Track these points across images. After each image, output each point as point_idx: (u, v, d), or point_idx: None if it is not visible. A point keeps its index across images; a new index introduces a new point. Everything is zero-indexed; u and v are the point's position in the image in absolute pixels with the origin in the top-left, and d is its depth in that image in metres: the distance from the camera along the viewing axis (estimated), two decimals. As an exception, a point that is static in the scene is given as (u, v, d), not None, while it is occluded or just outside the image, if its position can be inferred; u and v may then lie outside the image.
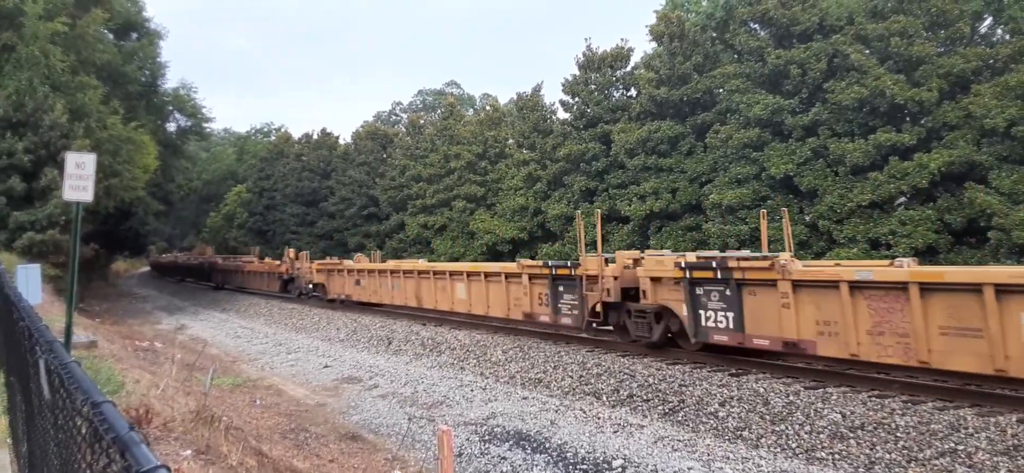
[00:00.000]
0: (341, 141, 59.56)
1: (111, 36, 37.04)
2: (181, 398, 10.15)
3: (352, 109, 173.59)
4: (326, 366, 18.15)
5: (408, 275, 24.50)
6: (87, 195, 9.17)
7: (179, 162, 55.40)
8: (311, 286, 32.91)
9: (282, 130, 78.06)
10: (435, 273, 22.83)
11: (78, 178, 9.14)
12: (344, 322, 24.97)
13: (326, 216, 54.97)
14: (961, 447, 8.46)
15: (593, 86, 33.90)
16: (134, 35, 40.99)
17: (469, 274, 20.84)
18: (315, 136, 60.99)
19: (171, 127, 52.06)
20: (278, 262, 38.16)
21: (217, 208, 74.28)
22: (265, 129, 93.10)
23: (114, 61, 34.11)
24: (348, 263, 30.48)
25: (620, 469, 9.06)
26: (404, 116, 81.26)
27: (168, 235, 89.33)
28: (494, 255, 36.15)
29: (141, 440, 1.48)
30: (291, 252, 36.92)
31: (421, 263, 25.41)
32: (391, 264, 27.07)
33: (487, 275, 19.82)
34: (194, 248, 72.11)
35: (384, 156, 52.46)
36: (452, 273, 21.76)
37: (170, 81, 50.41)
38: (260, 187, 62.86)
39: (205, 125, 57.50)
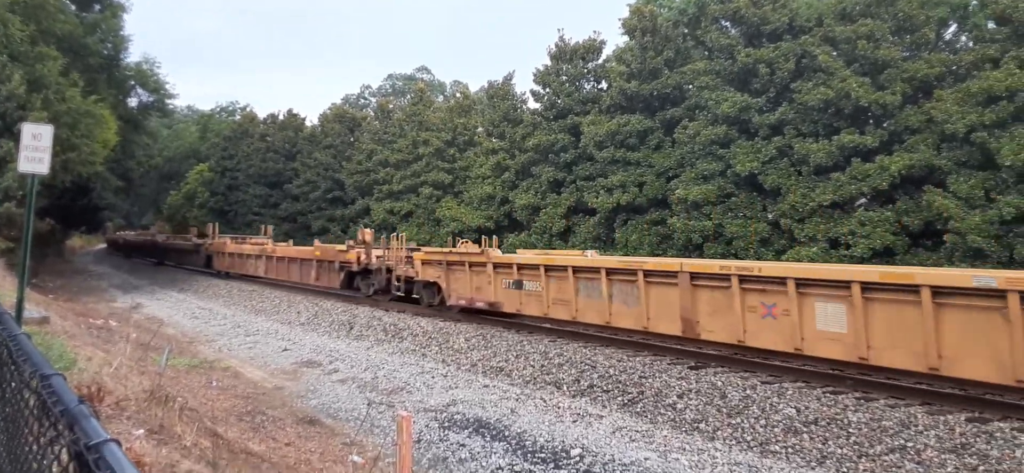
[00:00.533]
0: (308, 123, 58.88)
1: (73, 6, 36.02)
2: (135, 377, 9.96)
3: (320, 91, 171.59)
4: (285, 349, 17.95)
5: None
6: (43, 167, 8.93)
7: (140, 138, 54.14)
8: (402, 283, 22.52)
9: (247, 109, 76.96)
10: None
11: (34, 150, 8.90)
12: (305, 305, 24.72)
13: (290, 198, 54.30)
14: (910, 444, 8.68)
15: (564, 77, 33.95)
16: (97, 6, 39.85)
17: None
18: (281, 117, 60.17)
19: (132, 102, 50.83)
20: (338, 247, 27.53)
21: (178, 186, 72.92)
22: (230, 108, 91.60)
23: (75, 32, 33.16)
24: (496, 254, 19.48)
25: (578, 458, 9.12)
26: (373, 100, 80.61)
27: (127, 212, 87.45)
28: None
29: (91, 413, 1.44)
30: (366, 233, 25.73)
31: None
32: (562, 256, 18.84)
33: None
34: (152, 226, 70.53)
35: (351, 140, 51.99)
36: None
37: (133, 55, 49.33)
38: (223, 167, 61.82)
39: (168, 101, 56.23)
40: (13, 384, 2.42)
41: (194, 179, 67.48)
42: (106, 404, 7.41)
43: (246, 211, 57.66)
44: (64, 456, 1.50)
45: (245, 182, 58.43)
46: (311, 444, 9.79)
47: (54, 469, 1.59)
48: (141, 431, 7.00)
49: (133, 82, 48.21)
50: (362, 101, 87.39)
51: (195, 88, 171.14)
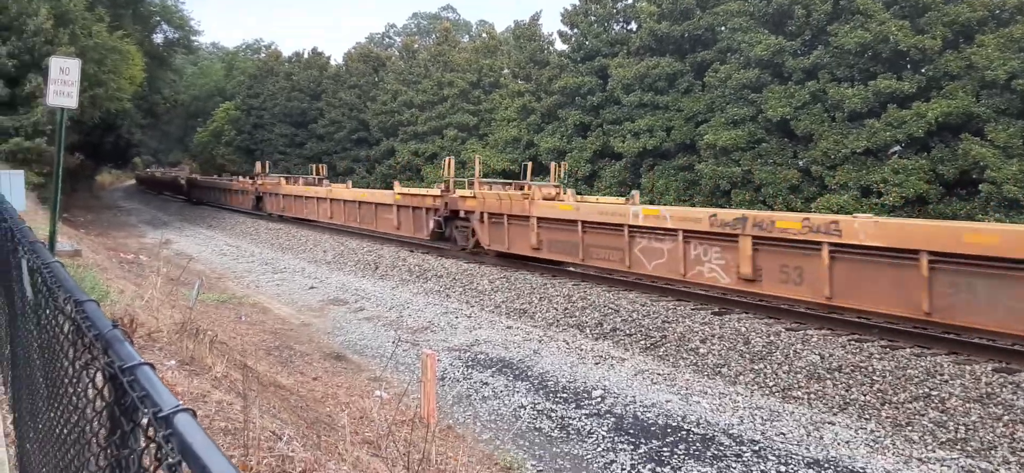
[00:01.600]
0: (332, 62, 58.58)
1: (96, -59, 35.88)
2: (166, 310, 10.14)
3: (344, 29, 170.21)
4: (312, 287, 18.19)
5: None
6: (72, 101, 8.97)
7: (166, 75, 54.40)
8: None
9: (272, 47, 76.75)
10: None
11: (62, 83, 8.94)
12: (331, 244, 24.95)
13: (315, 138, 54.39)
14: (935, 392, 8.62)
15: (593, 17, 33.31)
16: (121, -59, 39.70)
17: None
18: (306, 55, 59.90)
19: (158, 39, 50.99)
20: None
21: (204, 124, 73.33)
22: (255, 45, 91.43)
23: (99, -33, 33.12)
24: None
25: (599, 398, 9.20)
26: (397, 39, 79.89)
27: (154, 149, 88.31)
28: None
29: (124, 337, 1.44)
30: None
31: None
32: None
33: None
34: (180, 163, 71.09)
35: (376, 80, 51.70)
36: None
37: (157, -10, 49.13)
38: (248, 105, 61.91)
39: (193, 38, 56.36)
40: (48, 311, 2.45)
41: (221, 117, 67.78)
42: (138, 335, 7.56)
43: (272, 150, 57.90)
44: (99, 379, 1.51)
45: (271, 121, 58.55)
46: (338, 379, 9.96)
47: (90, 392, 1.60)
48: (173, 362, 7.15)
49: (158, 18, 48.26)
50: (387, 40, 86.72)
51: (219, 24, 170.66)
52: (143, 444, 1.17)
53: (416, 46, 52.16)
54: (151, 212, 44.72)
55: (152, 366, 1.27)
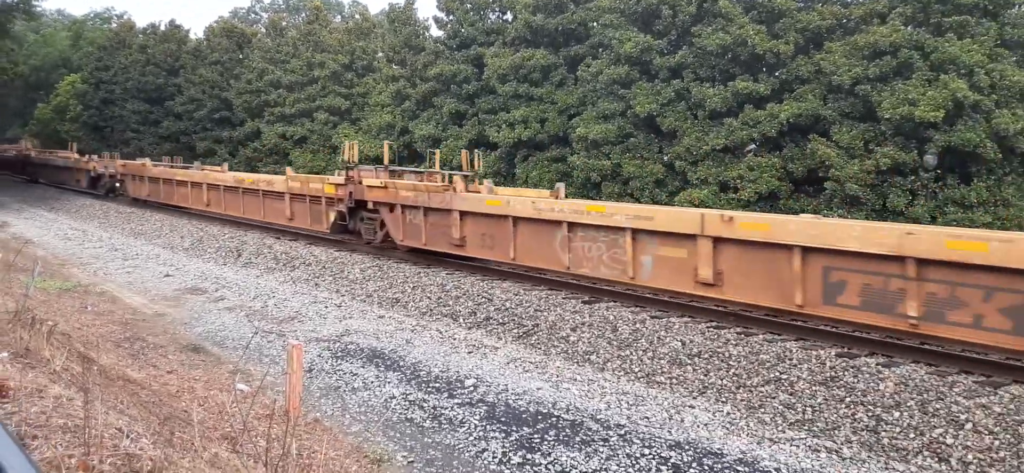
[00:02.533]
0: (192, 36, 55.28)
1: None
2: (-3, 299, 9.18)
3: (206, 2, 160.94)
4: (167, 275, 17.10)
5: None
6: None
7: (3, 43, 49.45)
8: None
9: (125, 18, 71.46)
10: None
11: None
12: (189, 230, 23.54)
13: (172, 116, 51.09)
14: (785, 376, 9.20)
15: (469, 5, 33.19)
16: None
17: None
18: (162, 27, 56.16)
19: (-7, 1, 46.21)
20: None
21: (47, 98, 67.28)
22: (105, 14, 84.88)
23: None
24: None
25: (472, 387, 9.17)
26: (264, 15, 76.57)
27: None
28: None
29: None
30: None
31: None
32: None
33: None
34: (21, 140, 64.74)
35: (240, 57, 49.20)
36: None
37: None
38: (97, 78, 57.24)
39: (35, 3, 51.44)
40: None
41: (65, 91, 62.40)
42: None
43: (123, 127, 53.88)
44: None
45: (122, 96, 54.39)
46: (195, 372, 9.38)
47: None
48: (5, 354, 6.46)
49: (-7, -22, 43.68)
50: (252, 16, 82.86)
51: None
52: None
53: (284, 24, 50.11)
54: (-19, 192, 40.53)
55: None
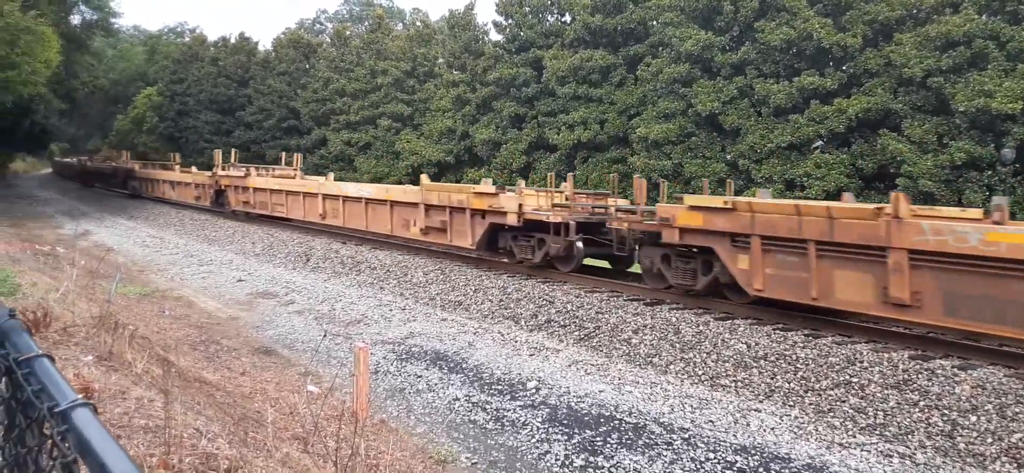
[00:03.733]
0: (261, 48, 57.06)
1: (9, -86, 33.93)
2: (83, 304, 9.69)
3: (274, 14, 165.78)
4: (240, 280, 17.69)
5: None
6: (-23, 82, 8.45)
7: (84, 58, 51.98)
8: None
9: (197, 31, 74.21)
10: None
11: (-33, 63, 8.41)
12: (260, 236, 24.30)
13: (243, 126, 52.88)
14: (855, 380, 8.95)
15: (527, 8, 33.35)
16: (35, -85, 37.61)
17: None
18: (233, 40, 58.14)
19: (75, 20, 48.74)
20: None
21: (125, 111, 70.43)
22: (178, 29, 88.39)
23: (12, -57, 31.33)
24: None
25: (534, 389, 9.22)
26: (329, 25, 78.38)
27: (71, 136, 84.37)
28: (419, 177, 35.67)
29: (23, 328, 1.33)
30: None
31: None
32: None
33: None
34: (100, 151, 67.90)
35: (306, 67, 50.59)
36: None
37: (75, -31, 46.94)
38: (172, 91, 59.71)
39: (113, 20, 54.06)
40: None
41: (142, 103, 65.24)
42: (53, 329, 7.19)
43: (197, 138, 56.01)
44: (-5, 373, 1.39)
45: (196, 108, 56.58)
46: (267, 374, 9.70)
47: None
48: (90, 357, 6.82)
49: (75, -2, 46.02)
50: (318, 26, 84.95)
51: (141, 6, 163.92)
52: (39, 441, 1.07)
53: (348, 33, 51.22)
54: (69, 202, 42.68)
55: (51, 358, 1.17)
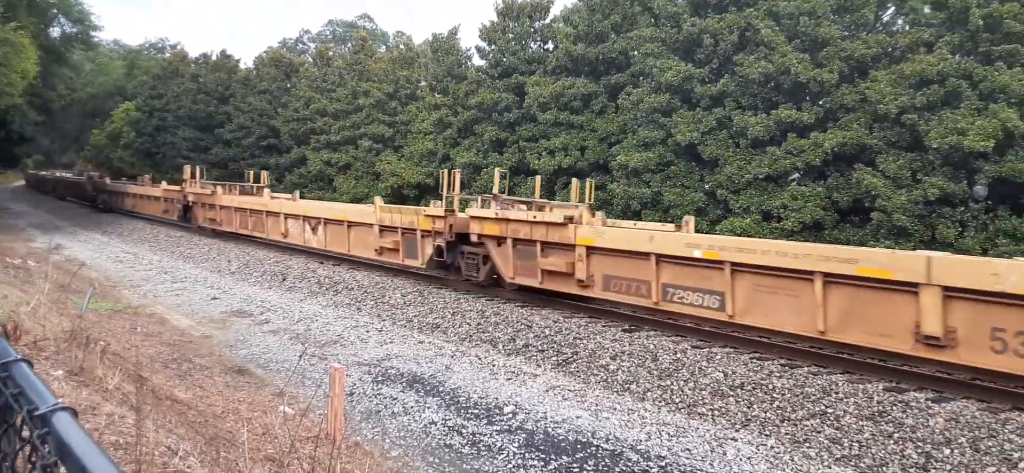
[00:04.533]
0: (242, 65, 56.87)
1: (-10, -76, 33.70)
2: (54, 318, 9.49)
3: (256, 33, 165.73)
4: (214, 298, 17.48)
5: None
6: (-48, 90, 8.32)
7: (62, 71, 51.59)
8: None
9: (178, 48, 73.83)
10: None
11: (-58, 70, 8.28)
12: (236, 254, 24.06)
13: (222, 143, 52.51)
14: (831, 410, 9.01)
15: (511, 35, 33.58)
16: (17, -75, 37.35)
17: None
18: (214, 57, 57.89)
19: (55, 32, 48.33)
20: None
21: (102, 125, 69.68)
22: (159, 45, 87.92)
23: (-7, -47, 31.10)
24: None
25: (511, 414, 9.17)
26: (312, 45, 78.36)
27: (46, 149, 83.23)
28: (399, 199, 35.60)
29: (2, 334, 1.29)
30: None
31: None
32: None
33: None
34: (73, 164, 67.08)
35: (288, 86, 50.47)
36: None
37: (56, -19, 46.63)
38: (151, 106, 59.21)
39: (93, 34, 53.74)
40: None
41: (120, 118, 64.62)
42: (22, 343, 7.03)
43: (174, 154, 55.50)
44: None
45: (174, 124, 56.13)
46: (240, 394, 9.55)
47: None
48: (60, 372, 6.68)
49: (56, 10, 45.74)
50: (300, 46, 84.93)
51: (121, 20, 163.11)
52: (18, 445, 1.04)
53: (331, 54, 51.21)
54: (42, 215, 42.02)
55: (29, 362, 1.14)
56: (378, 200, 21.83)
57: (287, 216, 24.16)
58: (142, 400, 5.93)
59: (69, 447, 0.87)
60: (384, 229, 19.56)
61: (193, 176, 31.78)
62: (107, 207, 42.79)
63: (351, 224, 20.90)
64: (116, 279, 20.03)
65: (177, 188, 33.17)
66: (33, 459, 0.93)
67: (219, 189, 29.59)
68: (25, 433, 1.01)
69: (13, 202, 52.73)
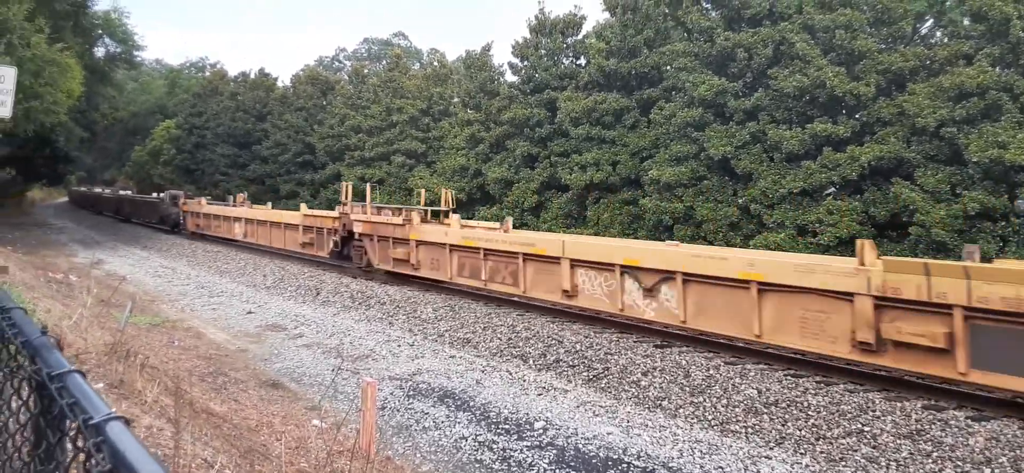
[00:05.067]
0: (279, 84, 57.91)
1: (39, -52, 34.84)
2: (95, 331, 9.76)
3: (293, 52, 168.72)
4: (249, 312, 17.76)
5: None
6: (5, 110, 8.66)
7: (106, 90, 53.04)
8: None
9: (217, 67, 75.49)
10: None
11: (-6, 92, 8.61)
12: (271, 269, 24.44)
13: (259, 160, 53.46)
14: (867, 428, 8.86)
15: (543, 51, 33.75)
16: (65, -51, 38.63)
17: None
18: (252, 76, 59.07)
19: (99, 52, 49.77)
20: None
21: (143, 142, 71.38)
22: (199, 64, 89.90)
23: (42, -25, 32.14)
24: None
25: (541, 430, 9.17)
26: (347, 63, 79.47)
27: (89, 166, 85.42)
28: (432, 214, 35.79)
29: (54, 345, 1.37)
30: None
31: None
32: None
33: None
34: (116, 181, 68.70)
35: (324, 103, 51.27)
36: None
37: (101, 3, 48.08)
38: (190, 124, 60.57)
39: (136, 54, 55.21)
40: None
41: (160, 135, 66.13)
42: (65, 355, 7.23)
43: (213, 171, 56.67)
44: (24, 390, 1.43)
45: (213, 141, 57.33)
46: (274, 407, 9.70)
47: (13, 404, 1.52)
48: (101, 385, 6.87)
49: (101, 31, 47.08)
50: (336, 64, 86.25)
51: (163, 41, 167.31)
52: (71, 455, 1.10)
53: (366, 71, 51.93)
54: (83, 231, 43.10)
55: (83, 373, 1.21)
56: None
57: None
58: (180, 413, 6.07)
59: (123, 455, 0.93)
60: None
61: (357, 197, 25.38)
62: (198, 232, 35.98)
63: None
64: (155, 293, 20.47)
65: (329, 214, 26.23)
66: (88, 466, 0.99)
67: (415, 216, 20.65)
68: (79, 442, 1.07)
69: (57, 217, 54.22)
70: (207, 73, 74.71)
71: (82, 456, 1.05)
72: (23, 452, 1.42)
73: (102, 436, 1.00)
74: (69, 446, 1.14)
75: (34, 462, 1.32)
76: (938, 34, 23.85)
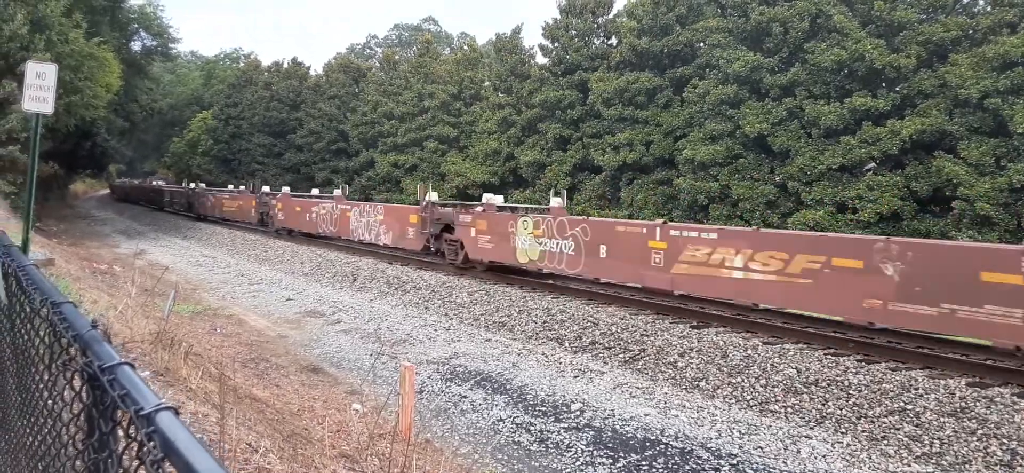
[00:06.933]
0: (312, 72, 58.40)
1: (75, -55, 35.53)
2: (140, 320, 9.99)
3: (325, 40, 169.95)
4: (289, 299, 18.03)
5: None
6: (48, 107, 8.86)
7: (142, 83, 54.01)
8: None
9: (251, 57, 76.33)
10: None
11: (38, 89, 8.82)
12: (309, 256, 24.77)
13: (294, 148, 54.08)
14: (910, 407, 8.71)
15: (573, 32, 33.50)
16: (100, -54, 39.33)
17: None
18: (285, 65, 59.66)
19: (135, 46, 50.67)
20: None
21: (181, 133, 72.65)
22: (234, 55, 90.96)
23: (78, -28, 32.77)
24: None
25: (578, 412, 9.19)
26: (379, 50, 79.84)
27: (129, 158, 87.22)
28: (464, 198, 35.98)
29: (103, 337, 1.41)
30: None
31: None
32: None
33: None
34: (155, 172, 70.04)
35: (356, 91, 51.60)
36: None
37: (136, -2, 48.91)
38: (226, 114, 61.48)
39: (171, 46, 56.07)
40: (22, 315, 2.40)
41: (197, 126, 67.21)
42: (112, 345, 7.43)
43: (249, 160, 57.49)
44: (76, 382, 1.48)
45: (248, 131, 58.14)
46: (314, 392, 9.86)
47: (66, 395, 1.57)
48: (147, 373, 7.04)
49: (136, 25, 47.92)
50: (367, 51, 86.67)
51: (199, 33, 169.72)
52: (123, 444, 1.14)
53: (397, 58, 52.10)
54: (125, 222, 44.12)
55: (132, 365, 1.24)
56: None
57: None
58: (224, 399, 6.20)
59: (174, 444, 0.96)
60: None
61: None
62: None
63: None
64: (196, 282, 20.89)
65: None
66: (140, 455, 1.03)
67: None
68: (131, 432, 1.11)
69: (99, 209, 55.55)
70: (242, 64, 75.62)
71: (134, 446, 1.09)
72: (76, 440, 1.47)
73: (153, 426, 1.03)
74: (121, 435, 1.18)
75: (88, 451, 1.36)
76: (981, 2, 23.14)
